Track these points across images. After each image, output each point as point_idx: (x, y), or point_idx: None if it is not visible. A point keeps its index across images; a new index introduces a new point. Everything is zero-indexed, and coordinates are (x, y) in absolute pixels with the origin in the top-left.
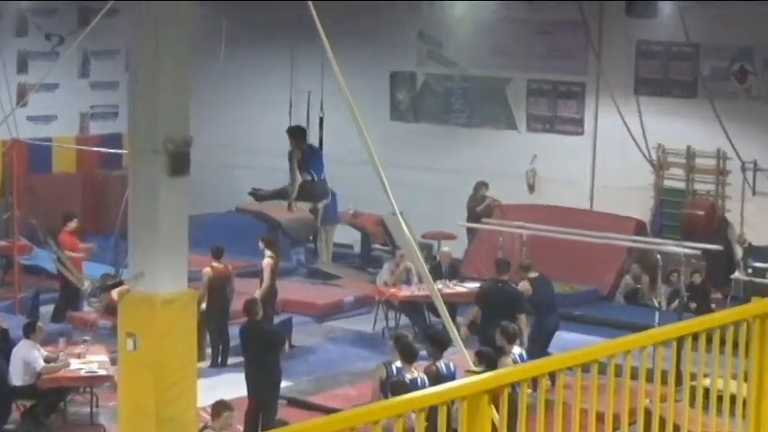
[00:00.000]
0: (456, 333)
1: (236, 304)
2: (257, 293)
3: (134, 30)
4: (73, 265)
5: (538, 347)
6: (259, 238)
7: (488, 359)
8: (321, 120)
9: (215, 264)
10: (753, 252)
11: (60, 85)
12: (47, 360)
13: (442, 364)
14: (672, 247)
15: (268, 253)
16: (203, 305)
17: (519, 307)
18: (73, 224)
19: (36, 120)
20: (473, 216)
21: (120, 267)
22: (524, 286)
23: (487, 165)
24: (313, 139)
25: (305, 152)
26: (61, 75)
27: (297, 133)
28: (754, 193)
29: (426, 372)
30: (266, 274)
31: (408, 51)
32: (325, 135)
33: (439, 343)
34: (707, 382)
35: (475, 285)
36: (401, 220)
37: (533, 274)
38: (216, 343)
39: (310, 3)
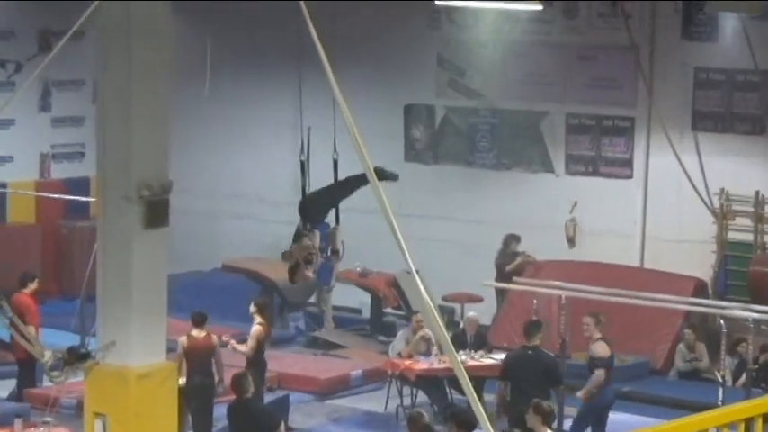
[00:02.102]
0: (483, 413)
1: (227, 379)
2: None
3: (103, 56)
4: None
5: (584, 425)
6: (249, 300)
7: None
8: (335, 162)
9: (194, 332)
10: None
11: (17, 121)
12: None
13: None
14: (738, 311)
15: (258, 320)
16: (181, 381)
17: (555, 378)
18: (33, 286)
19: None
20: (502, 275)
21: (87, 335)
22: (600, 347)
23: (519, 214)
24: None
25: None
26: (18, 108)
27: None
28: None
29: None
30: (250, 343)
31: (425, 80)
32: (328, 179)
33: (465, 424)
34: None
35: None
36: (418, 280)
37: (597, 335)
38: (198, 426)
39: (303, 4)
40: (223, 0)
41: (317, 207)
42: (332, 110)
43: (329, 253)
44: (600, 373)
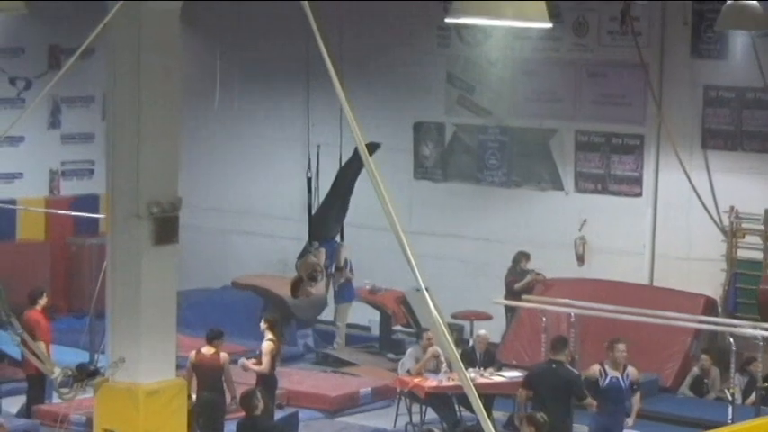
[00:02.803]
0: (492, 430)
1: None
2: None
3: (112, 72)
4: (41, 349)
5: None
6: (258, 318)
7: None
8: None
9: (204, 349)
10: None
11: (27, 138)
12: None
13: None
14: (748, 329)
15: (269, 336)
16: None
17: (576, 393)
18: (43, 301)
19: None
20: (512, 292)
21: (96, 352)
22: (634, 371)
23: (528, 232)
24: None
25: None
26: (28, 125)
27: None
28: None
29: None
30: (265, 360)
31: (435, 98)
32: None
33: None
34: None
35: (514, 374)
36: (427, 297)
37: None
38: None
39: (306, 5)
40: (230, 0)
41: (325, 222)
42: (339, 127)
43: (333, 270)
44: (638, 396)
